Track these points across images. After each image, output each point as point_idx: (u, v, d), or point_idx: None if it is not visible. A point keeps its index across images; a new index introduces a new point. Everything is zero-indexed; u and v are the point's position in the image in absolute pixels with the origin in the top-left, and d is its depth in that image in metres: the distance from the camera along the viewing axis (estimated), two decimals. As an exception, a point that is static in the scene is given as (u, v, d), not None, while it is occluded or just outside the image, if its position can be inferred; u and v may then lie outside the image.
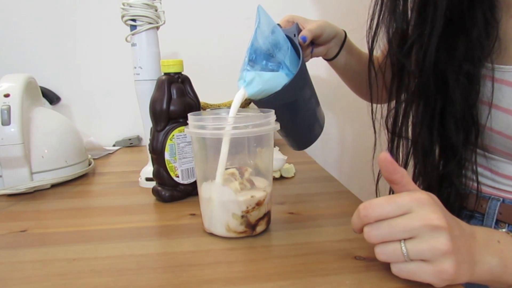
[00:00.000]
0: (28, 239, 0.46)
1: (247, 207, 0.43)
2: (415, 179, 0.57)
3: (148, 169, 0.65)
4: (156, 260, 0.40)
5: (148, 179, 0.65)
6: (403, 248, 0.32)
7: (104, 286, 0.35)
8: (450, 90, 0.49)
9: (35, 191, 0.65)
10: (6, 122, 0.63)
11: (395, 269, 0.33)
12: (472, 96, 0.48)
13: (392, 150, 0.58)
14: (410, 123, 0.57)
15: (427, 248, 0.31)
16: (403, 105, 0.56)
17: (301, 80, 0.52)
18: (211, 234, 0.45)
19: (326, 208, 0.54)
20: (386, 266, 0.36)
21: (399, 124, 0.57)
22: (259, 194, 0.44)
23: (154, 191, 0.58)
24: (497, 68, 0.47)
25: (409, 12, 0.53)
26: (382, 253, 0.33)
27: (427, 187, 0.56)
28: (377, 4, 0.55)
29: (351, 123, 1.17)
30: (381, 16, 0.55)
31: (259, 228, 0.45)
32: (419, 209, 0.32)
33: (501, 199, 0.52)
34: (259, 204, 0.44)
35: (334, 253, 0.40)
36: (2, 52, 1.01)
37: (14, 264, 0.40)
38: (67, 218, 0.53)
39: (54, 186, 0.68)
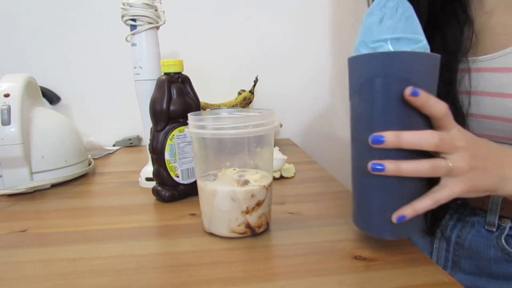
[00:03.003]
0: (28, 239, 0.46)
1: (247, 207, 0.43)
2: None
3: (148, 169, 0.65)
4: (156, 260, 0.40)
5: (148, 179, 0.65)
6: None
7: (104, 286, 0.35)
8: None
9: (35, 191, 0.65)
10: (6, 122, 0.63)
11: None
12: (453, 87, 0.51)
13: None
14: None
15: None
16: None
17: (435, 71, 0.37)
18: (211, 234, 0.45)
19: (326, 208, 0.54)
20: (386, 266, 0.36)
21: None
22: (259, 194, 0.44)
23: (154, 191, 0.58)
24: (471, 61, 0.50)
25: None
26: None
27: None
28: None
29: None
30: None
31: (259, 228, 0.45)
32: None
33: None
34: (259, 204, 0.44)
35: (334, 253, 0.40)
36: (2, 52, 1.01)
37: (14, 264, 0.40)
38: (67, 218, 0.53)
39: (54, 186, 0.68)
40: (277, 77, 1.10)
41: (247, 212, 0.43)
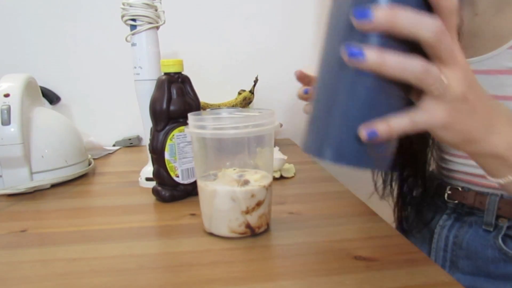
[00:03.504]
0: (28, 239, 0.46)
1: (247, 207, 0.43)
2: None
3: (148, 169, 0.65)
4: (156, 260, 0.40)
5: (148, 179, 0.65)
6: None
7: (104, 286, 0.35)
8: None
9: (35, 191, 0.65)
10: (6, 122, 0.63)
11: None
12: None
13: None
14: None
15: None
16: None
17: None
18: (211, 234, 0.45)
19: (326, 208, 0.54)
20: (386, 266, 0.36)
21: None
22: (259, 194, 0.44)
23: (154, 191, 0.58)
24: None
25: None
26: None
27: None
28: None
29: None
30: None
31: (259, 229, 0.45)
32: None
33: (500, 194, 0.53)
34: (259, 204, 0.44)
35: (334, 253, 0.40)
36: (2, 52, 1.01)
37: (14, 264, 0.40)
38: (67, 218, 0.53)
39: (54, 186, 0.68)
40: (277, 77, 1.10)
41: (247, 212, 0.43)
